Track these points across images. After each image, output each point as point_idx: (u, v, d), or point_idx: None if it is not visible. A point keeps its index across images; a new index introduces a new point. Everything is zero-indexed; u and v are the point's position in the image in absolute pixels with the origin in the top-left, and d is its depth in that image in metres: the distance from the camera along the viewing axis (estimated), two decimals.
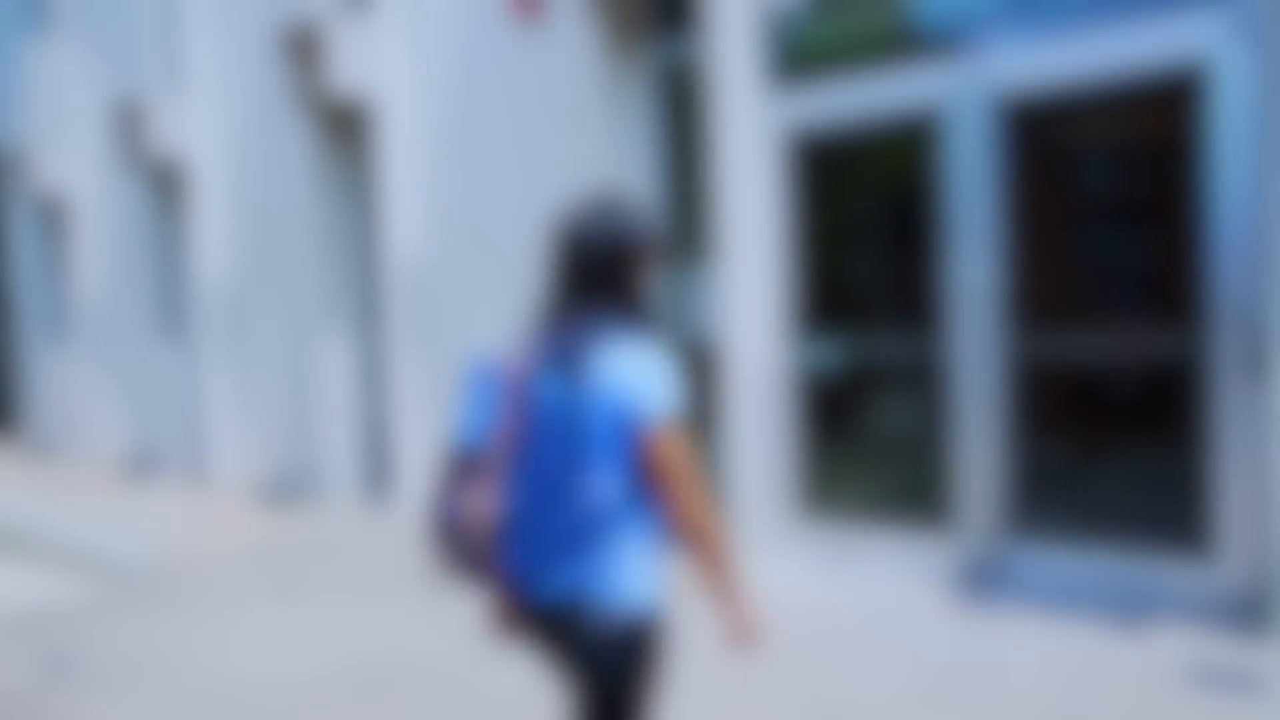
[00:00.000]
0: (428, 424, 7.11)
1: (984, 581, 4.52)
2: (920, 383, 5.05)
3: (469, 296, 6.76)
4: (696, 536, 1.84)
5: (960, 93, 4.49)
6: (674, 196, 5.81)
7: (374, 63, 6.95)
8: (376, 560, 5.63)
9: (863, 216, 5.59)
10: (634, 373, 1.83)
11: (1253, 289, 3.83)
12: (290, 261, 8.23)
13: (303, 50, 7.30)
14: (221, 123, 8.84)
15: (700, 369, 5.45)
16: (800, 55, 5.35)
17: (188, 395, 9.45)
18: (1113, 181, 4.92)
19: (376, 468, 7.74)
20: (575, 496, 1.82)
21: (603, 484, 1.82)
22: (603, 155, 5.70)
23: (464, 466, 1.87)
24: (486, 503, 1.82)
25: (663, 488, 1.82)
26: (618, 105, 5.73)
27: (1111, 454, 4.62)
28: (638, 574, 1.88)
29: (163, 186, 9.46)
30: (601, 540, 1.83)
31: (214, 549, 6.19)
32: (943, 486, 4.68)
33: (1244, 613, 3.90)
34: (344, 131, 7.67)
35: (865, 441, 5.54)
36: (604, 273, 1.91)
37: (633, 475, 1.84)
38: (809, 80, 5.12)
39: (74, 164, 10.83)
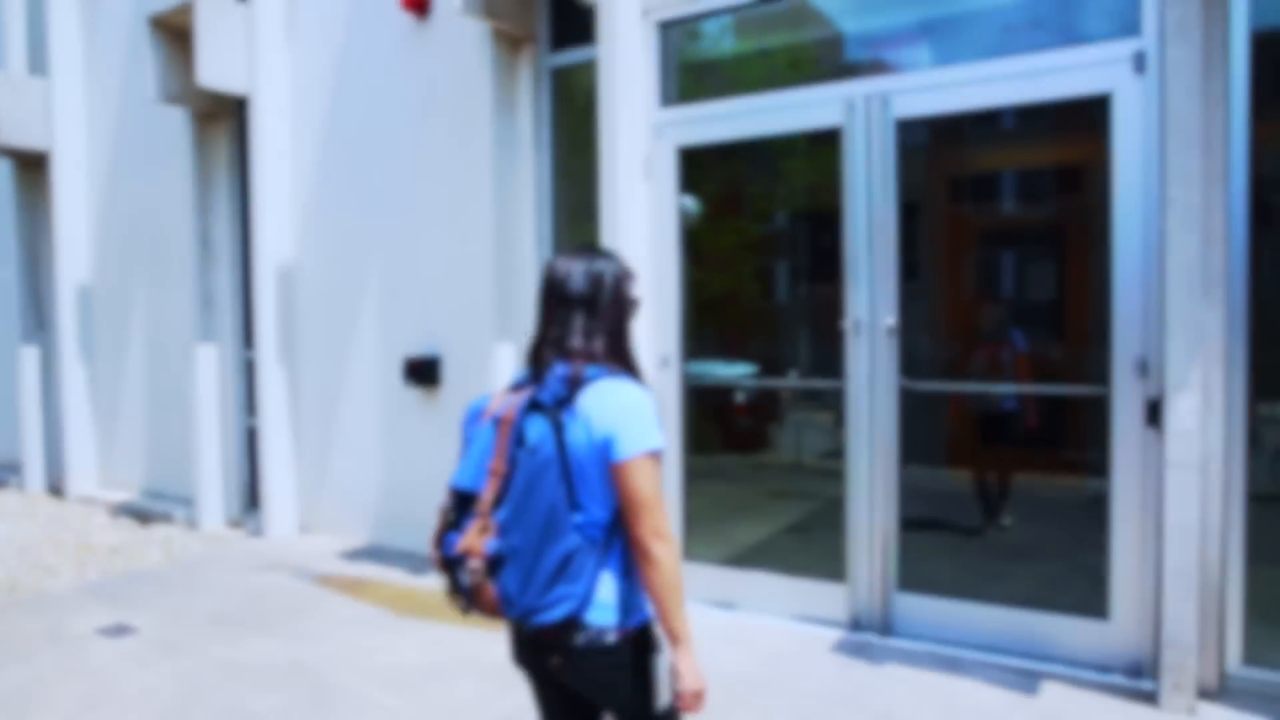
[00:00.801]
0: (300, 444, 6.61)
1: (877, 630, 4.28)
2: (814, 415, 4.82)
3: (346, 308, 6.30)
4: (656, 573, 1.90)
5: (861, 116, 4.25)
6: (562, 209, 5.47)
7: (248, 53, 6.44)
8: (222, 594, 5.12)
9: (761, 238, 5.36)
10: (620, 409, 1.87)
11: (1148, 327, 3.66)
12: (160, 263, 7.62)
13: (175, 38, 6.73)
14: (83, 111, 8.17)
15: None
16: (699, 71, 5.09)
17: (49, 401, 8.71)
18: (1017, 209, 4.81)
19: (247, 488, 7.18)
20: (566, 528, 1.85)
21: (592, 513, 1.88)
22: (488, 162, 5.32)
23: (461, 505, 1.92)
24: (481, 539, 1.87)
25: (634, 520, 1.88)
26: (506, 110, 5.36)
27: (1016, 501, 4.45)
28: (627, 594, 1.95)
29: (25, 179, 8.71)
30: (593, 567, 1.89)
31: (43, 575, 5.58)
32: (837, 532, 4.42)
33: (1137, 669, 3.73)
34: (218, 126, 7.11)
35: (758, 477, 5.29)
36: (592, 315, 1.97)
37: (621, 504, 1.90)
38: (706, 97, 4.85)
39: None
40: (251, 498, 7.15)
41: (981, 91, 4.02)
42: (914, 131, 4.41)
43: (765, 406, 5.23)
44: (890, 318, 4.16)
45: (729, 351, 5.26)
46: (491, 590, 1.86)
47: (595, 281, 1.98)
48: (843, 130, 4.27)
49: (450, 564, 1.91)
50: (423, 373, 5.80)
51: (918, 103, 4.14)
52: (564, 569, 1.85)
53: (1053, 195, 4.85)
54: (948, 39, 4.39)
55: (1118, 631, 3.77)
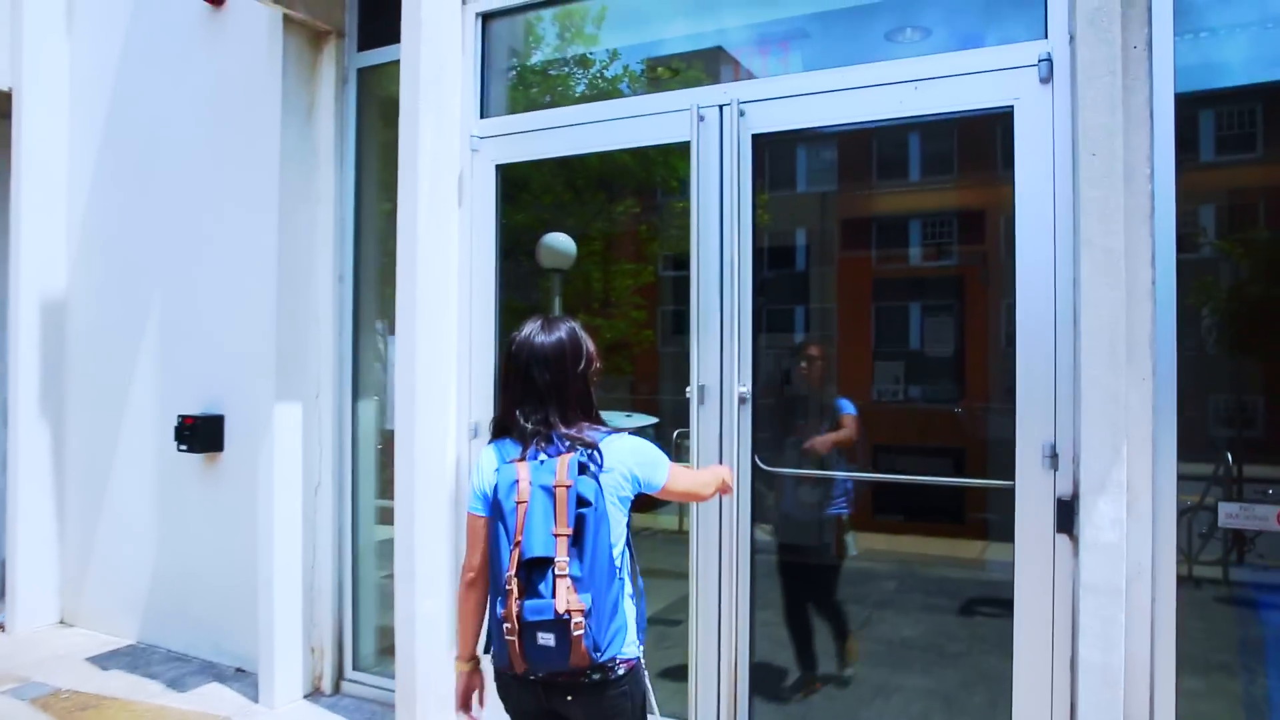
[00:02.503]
0: (64, 516, 5.42)
1: None
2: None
3: (125, 351, 5.17)
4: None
5: (713, 130, 3.40)
6: (370, 236, 4.50)
7: (12, 39, 5.34)
8: None
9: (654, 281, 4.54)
10: (636, 454, 2.21)
11: (1059, 404, 2.86)
12: None
13: None
14: None
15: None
16: (532, 76, 4.22)
17: None
18: (910, 253, 4.09)
19: None
20: (615, 571, 2.09)
21: (600, 554, 2.05)
22: (274, 179, 4.31)
23: (527, 571, 2.03)
24: (577, 597, 2.00)
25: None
26: (299, 117, 4.37)
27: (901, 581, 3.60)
28: (638, 620, 2.21)
29: None
30: (601, 603, 2.04)
31: None
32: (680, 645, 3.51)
33: None
34: None
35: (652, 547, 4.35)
36: (567, 383, 2.21)
37: (628, 544, 2.20)
38: (531, 109, 3.98)
39: None
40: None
41: (853, 102, 3.22)
42: (781, 152, 3.61)
43: None
44: (743, 385, 3.28)
45: (625, 403, 4.71)
46: (517, 646, 2.01)
47: (567, 353, 2.22)
48: (691, 147, 3.41)
49: (524, 629, 2.00)
50: (201, 434, 4.71)
51: (777, 115, 3.31)
52: (616, 607, 2.08)
53: (952, 234, 4.13)
54: (825, 43, 3.61)
55: None
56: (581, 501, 2.03)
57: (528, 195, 4.95)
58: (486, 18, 4.00)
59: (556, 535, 2.00)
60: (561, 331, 2.23)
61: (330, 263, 4.43)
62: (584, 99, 4.01)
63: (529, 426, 2.15)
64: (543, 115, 3.85)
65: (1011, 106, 2.95)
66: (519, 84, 4.26)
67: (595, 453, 2.11)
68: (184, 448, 4.70)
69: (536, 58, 4.29)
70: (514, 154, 3.88)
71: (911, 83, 3.09)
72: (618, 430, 2.21)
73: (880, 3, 3.49)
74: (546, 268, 5.69)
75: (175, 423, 4.77)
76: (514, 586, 2.00)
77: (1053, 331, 2.87)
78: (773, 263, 3.82)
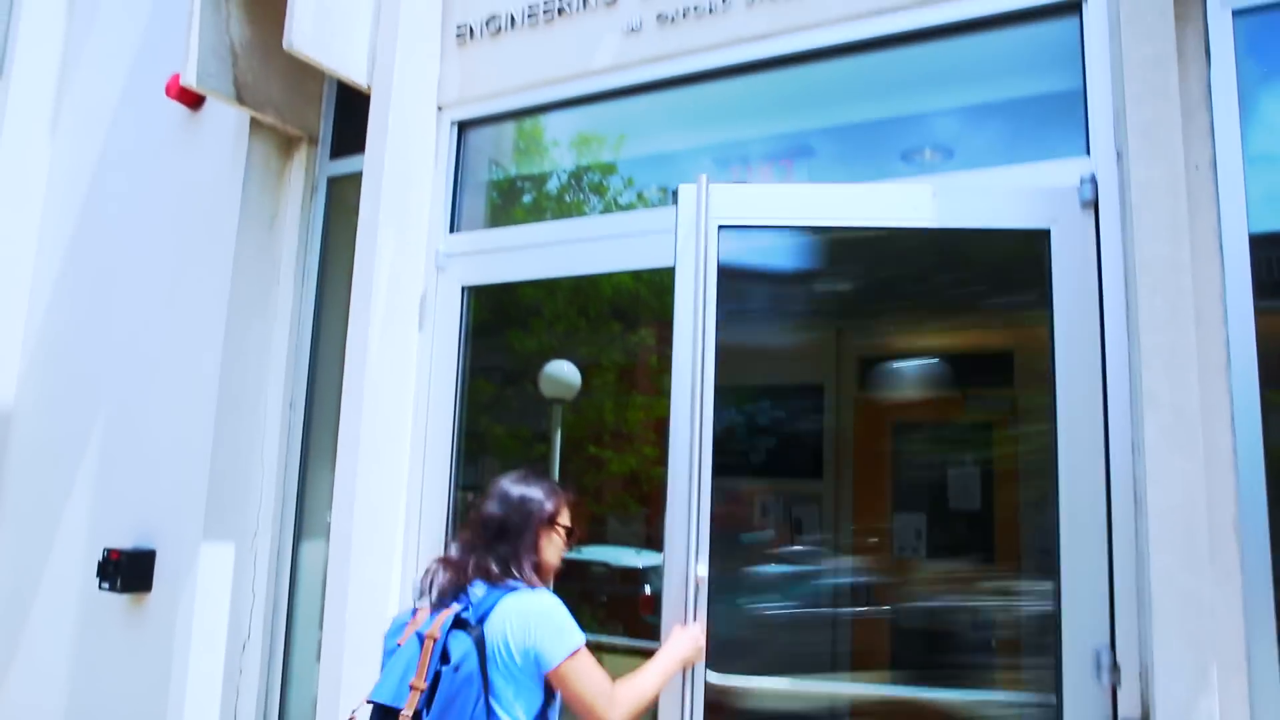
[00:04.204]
0: None
1: None
2: None
3: (64, 471, 4.70)
4: None
5: (685, 257, 2.95)
6: (332, 358, 4.06)
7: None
8: None
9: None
10: (536, 619, 2.00)
11: (1116, 599, 2.27)
12: None
13: None
14: None
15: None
16: (505, 191, 3.87)
17: None
18: (932, 392, 3.60)
19: None
20: None
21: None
22: (225, 294, 3.92)
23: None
24: None
25: (586, 716, 2.00)
26: (259, 228, 4.02)
27: None
28: None
29: None
30: None
31: None
32: None
33: None
34: None
35: None
36: (512, 538, 2.11)
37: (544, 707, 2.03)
38: (501, 225, 3.61)
39: None
40: None
41: (851, 218, 2.75)
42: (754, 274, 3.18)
43: None
44: (701, 565, 2.62)
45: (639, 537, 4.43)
46: None
47: (516, 508, 2.14)
48: (676, 274, 2.95)
49: None
50: (127, 571, 4.16)
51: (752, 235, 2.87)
52: None
53: (984, 374, 3.65)
54: (829, 163, 3.22)
55: None
56: (445, 657, 1.93)
57: (539, 321, 4.64)
58: (464, 125, 3.66)
59: (412, 687, 1.92)
60: (531, 488, 2.19)
61: (282, 387, 3.99)
62: (565, 214, 3.63)
63: (450, 575, 2.09)
64: (515, 233, 3.45)
65: (1048, 231, 2.49)
66: (499, 198, 3.89)
67: (486, 611, 1.99)
68: (105, 585, 4.15)
69: (522, 170, 3.94)
70: (483, 275, 3.46)
71: (926, 205, 2.64)
72: (536, 589, 2.07)
73: (894, 118, 3.10)
74: (548, 397, 5.26)
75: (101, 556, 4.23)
76: None
77: (1104, 504, 2.30)
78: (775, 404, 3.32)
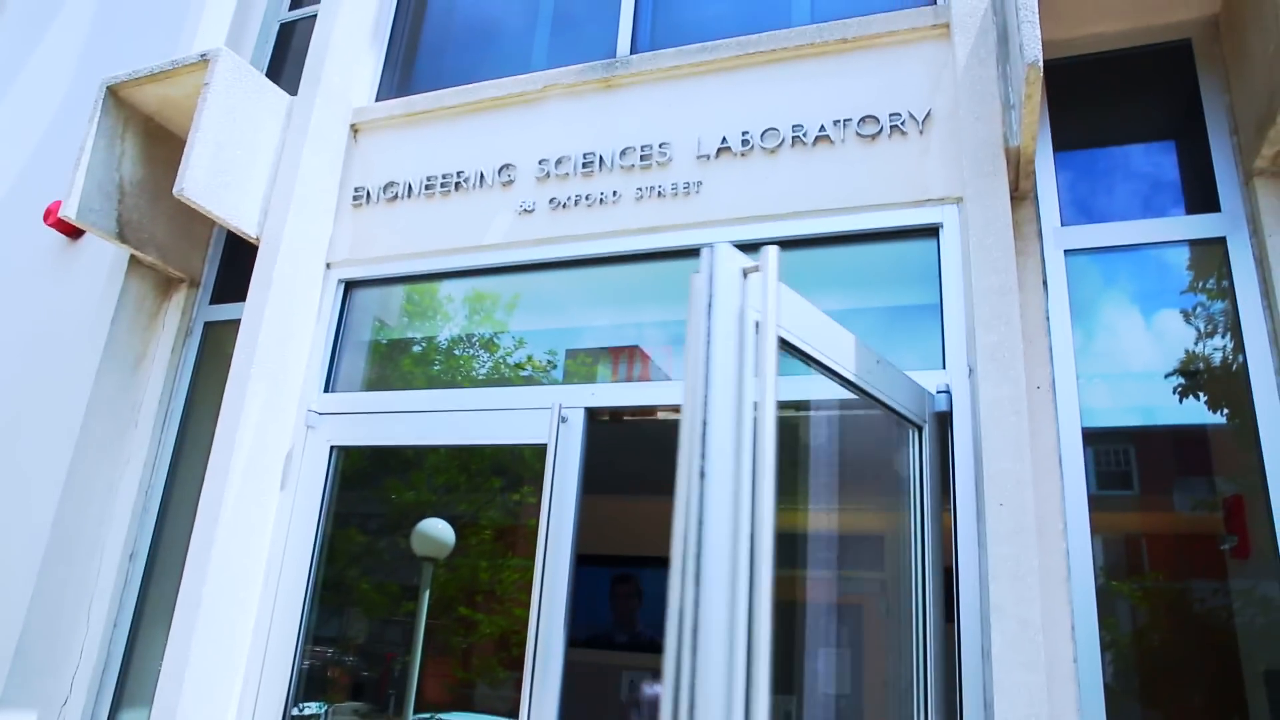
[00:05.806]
0: None
1: None
2: None
3: None
4: None
5: (573, 439, 2.97)
6: (184, 516, 3.82)
7: None
8: None
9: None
10: None
11: None
12: None
13: None
14: None
15: None
16: (379, 351, 3.84)
17: None
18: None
19: None
20: None
21: None
22: (73, 441, 3.69)
23: None
24: None
25: None
26: (121, 369, 3.84)
27: None
28: None
29: None
30: None
31: None
32: None
33: None
34: None
35: None
36: None
37: None
38: (385, 379, 3.56)
39: None
40: None
41: None
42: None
43: None
44: None
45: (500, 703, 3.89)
46: None
47: None
48: (548, 451, 2.95)
49: None
50: None
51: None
52: None
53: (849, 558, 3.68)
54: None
55: None
56: None
57: (419, 474, 4.48)
58: (351, 285, 3.66)
59: None
60: None
61: (124, 536, 3.71)
62: (454, 368, 3.61)
63: None
64: (389, 397, 3.41)
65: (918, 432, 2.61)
66: (384, 354, 3.86)
67: None
68: None
69: (411, 327, 3.93)
70: (355, 436, 3.38)
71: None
72: None
73: None
74: (419, 556, 5.05)
75: None
76: None
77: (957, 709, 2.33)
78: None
